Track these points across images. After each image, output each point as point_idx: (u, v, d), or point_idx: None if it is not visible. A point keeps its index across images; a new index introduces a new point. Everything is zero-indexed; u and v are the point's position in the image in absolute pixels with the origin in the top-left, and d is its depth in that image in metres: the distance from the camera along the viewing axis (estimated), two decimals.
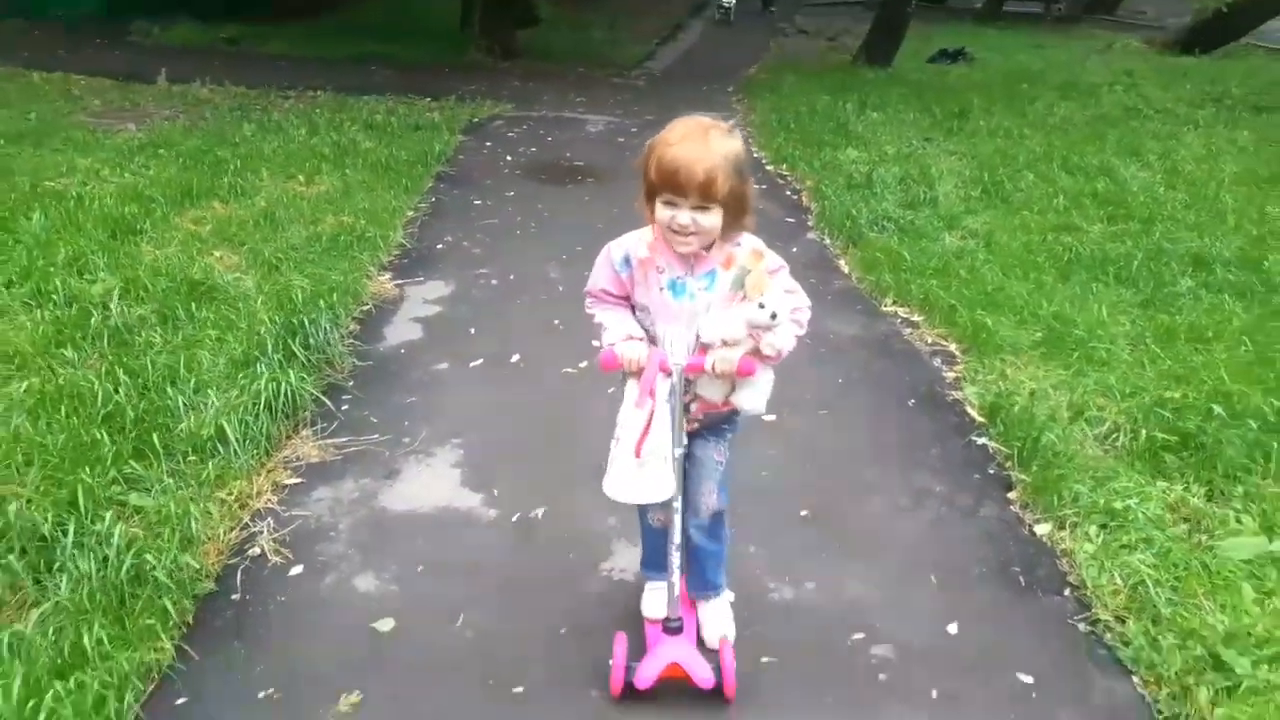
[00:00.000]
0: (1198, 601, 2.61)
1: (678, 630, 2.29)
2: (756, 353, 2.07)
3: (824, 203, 6.40)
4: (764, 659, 2.42)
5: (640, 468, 2.06)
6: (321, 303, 4.13)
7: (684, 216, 1.97)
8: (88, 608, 2.43)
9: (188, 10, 13.23)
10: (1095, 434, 3.50)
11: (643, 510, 2.41)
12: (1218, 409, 3.49)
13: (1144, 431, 3.42)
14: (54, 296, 4.21)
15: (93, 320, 3.93)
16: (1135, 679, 2.42)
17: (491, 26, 12.82)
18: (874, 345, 4.38)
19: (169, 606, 2.46)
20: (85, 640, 2.32)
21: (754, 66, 13.13)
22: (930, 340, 4.42)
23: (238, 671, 2.38)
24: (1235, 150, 8.33)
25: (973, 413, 3.73)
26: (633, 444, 2.06)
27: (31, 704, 2.12)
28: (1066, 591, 2.74)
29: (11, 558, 2.58)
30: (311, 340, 3.83)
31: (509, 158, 7.63)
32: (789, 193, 6.92)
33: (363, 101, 9.36)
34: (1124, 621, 2.58)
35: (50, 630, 2.36)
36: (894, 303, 4.84)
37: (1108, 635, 2.56)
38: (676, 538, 2.24)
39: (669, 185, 1.95)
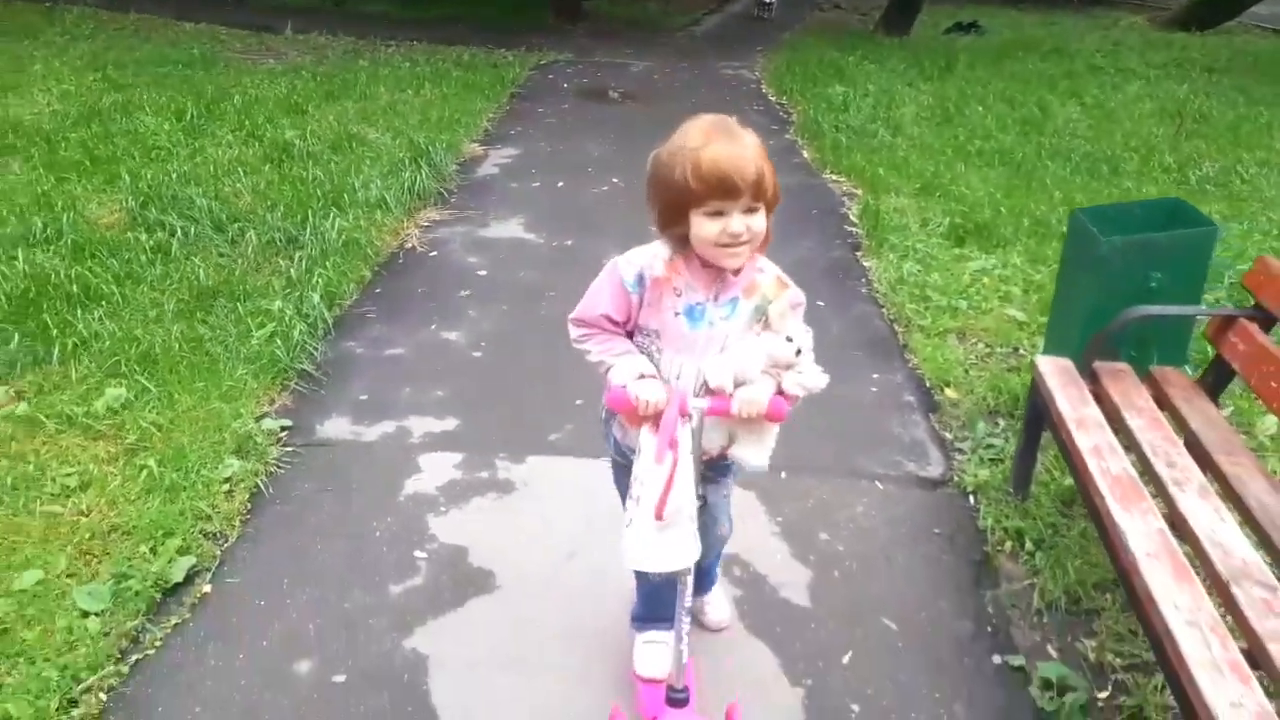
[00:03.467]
0: (934, 279, 4.64)
1: (683, 703, 2.00)
2: (779, 392, 1.86)
3: (803, 116, 8.41)
4: None
5: (663, 531, 1.80)
6: (437, 144, 6.31)
7: (738, 223, 1.73)
8: (326, 252, 4.61)
9: None
10: (925, 229, 5.50)
11: None
12: (1004, 211, 5.49)
13: (951, 221, 5.43)
14: (261, 138, 6.45)
15: (292, 149, 6.15)
16: (883, 309, 4.47)
17: None
18: (805, 189, 6.40)
19: (371, 253, 4.65)
20: (326, 268, 4.48)
21: (785, 33, 15.03)
22: (845, 189, 6.43)
23: (406, 282, 4.54)
24: (1163, 96, 10.10)
25: (851, 216, 5.77)
26: (653, 505, 1.78)
27: (311, 279, 4.28)
28: (862, 280, 4.79)
29: (280, 236, 4.78)
30: (433, 162, 6.01)
31: (566, 86, 9.74)
32: (781, 114, 8.91)
33: (451, 49, 11.50)
34: (893, 292, 4.62)
35: (310, 258, 4.54)
36: (829, 170, 6.84)
37: (875, 295, 4.61)
38: (688, 600, 1.96)
39: (718, 191, 1.71)
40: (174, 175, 5.43)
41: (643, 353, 1.91)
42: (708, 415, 1.87)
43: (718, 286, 1.86)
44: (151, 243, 4.58)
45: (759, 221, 1.77)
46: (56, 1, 13.03)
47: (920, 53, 12.49)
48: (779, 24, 15.65)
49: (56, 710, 2.13)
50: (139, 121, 6.64)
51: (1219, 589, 2.01)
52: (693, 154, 1.71)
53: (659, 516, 1.77)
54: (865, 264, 5.03)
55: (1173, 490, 2.30)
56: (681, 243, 1.82)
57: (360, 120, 7.30)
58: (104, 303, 3.96)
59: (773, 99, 9.59)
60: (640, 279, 1.87)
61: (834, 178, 6.71)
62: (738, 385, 1.84)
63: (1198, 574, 2.05)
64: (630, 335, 1.94)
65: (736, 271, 1.85)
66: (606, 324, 1.92)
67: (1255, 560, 2.07)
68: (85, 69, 8.90)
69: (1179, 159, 7.31)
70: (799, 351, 1.85)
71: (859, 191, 6.31)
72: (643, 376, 1.85)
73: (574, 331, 1.97)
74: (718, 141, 1.72)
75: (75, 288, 4.04)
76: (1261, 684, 1.77)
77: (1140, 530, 2.14)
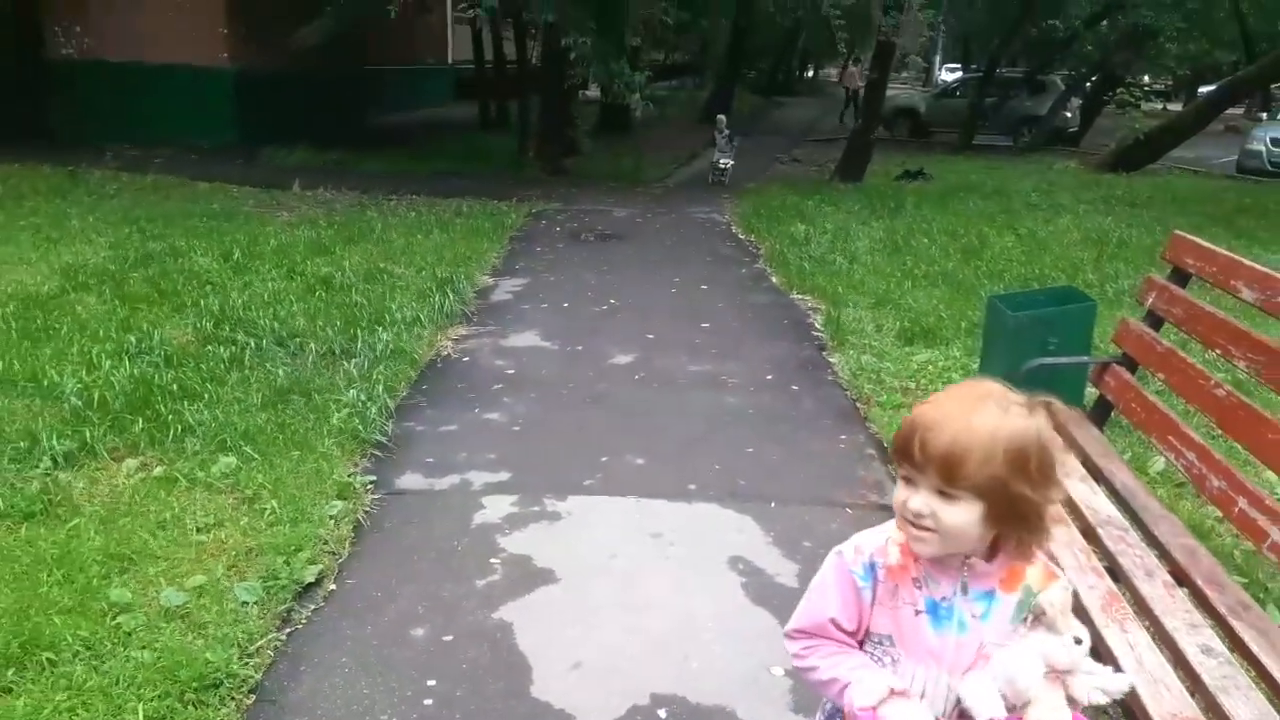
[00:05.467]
0: (888, 367, 5.55)
1: None
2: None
3: (770, 250, 9.51)
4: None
5: None
6: (456, 274, 7.27)
7: (917, 501, 1.41)
8: (378, 359, 5.45)
9: (306, 139, 16.95)
10: (880, 331, 6.45)
11: None
12: (945, 317, 6.47)
13: (902, 325, 6.39)
14: (302, 273, 7.38)
15: (332, 281, 7.08)
16: (846, 391, 5.34)
17: (544, 152, 16.41)
18: (776, 305, 7.40)
19: (415, 359, 5.50)
20: (380, 370, 5.32)
21: (749, 183, 16.49)
22: (810, 305, 7.42)
23: (447, 381, 5.38)
24: (1090, 226, 11.37)
25: (817, 325, 6.72)
26: None
27: (371, 376, 5.12)
28: (828, 371, 5.69)
29: (335, 348, 5.63)
30: (455, 289, 6.95)
31: (558, 229, 10.86)
32: (751, 248, 10.03)
33: (449, 201, 12.66)
34: (855, 378, 5.51)
35: (364, 364, 5.37)
36: (795, 291, 7.85)
37: (840, 381, 5.49)
38: None
39: (902, 453, 1.43)
40: (235, 302, 6.32)
41: None
42: None
43: (965, 575, 1.48)
44: (226, 354, 5.41)
45: (953, 514, 1.39)
46: (79, 165, 14.21)
47: (872, 196, 13.84)
48: (744, 173, 17.08)
49: (240, 658, 2.84)
50: (192, 262, 7.58)
51: (1088, 532, 2.83)
52: (917, 407, 1.46)
53: None
54: (830, 359, 5.94)
55: (1059, 478, 3.12)
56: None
57: (383, 259, 8.28)
58: (202, 398, 4.76)
59: (742, 237, 10.73)
60: (871, 569, 1.53)
61: (800, 296, 7.71)
62: (1010, 707, 1.43)
63: (1074, 523, 2.86)
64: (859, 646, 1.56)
65: (990, 556, 1.48)
66: (835, 632, 1.54)
67: (1116, 516, 2.89)
68: (119, 223, 9.86)
69: (1100, 277, 8.41)
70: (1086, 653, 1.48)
71: (822, 305, 7.30)
72: (894, 694, 1.45)
73: (793, 646, 1.59)
74: (946, 404, 1.44)
75: (175, 387, 4.84)
76: (1124, 595, 2.56)
77: None
